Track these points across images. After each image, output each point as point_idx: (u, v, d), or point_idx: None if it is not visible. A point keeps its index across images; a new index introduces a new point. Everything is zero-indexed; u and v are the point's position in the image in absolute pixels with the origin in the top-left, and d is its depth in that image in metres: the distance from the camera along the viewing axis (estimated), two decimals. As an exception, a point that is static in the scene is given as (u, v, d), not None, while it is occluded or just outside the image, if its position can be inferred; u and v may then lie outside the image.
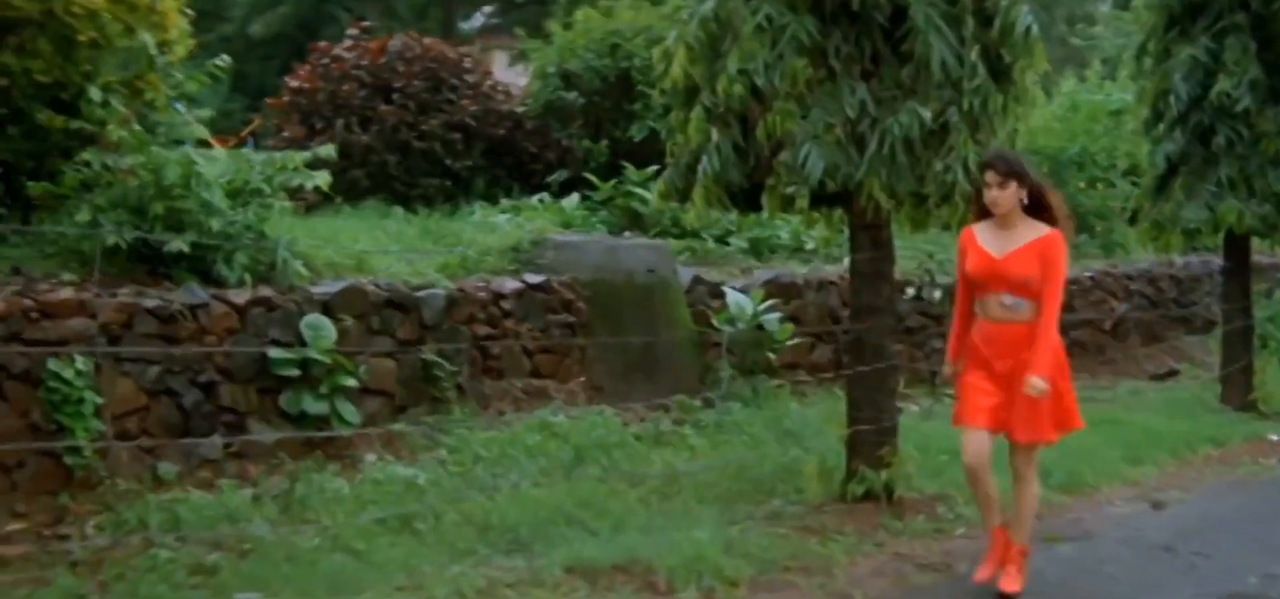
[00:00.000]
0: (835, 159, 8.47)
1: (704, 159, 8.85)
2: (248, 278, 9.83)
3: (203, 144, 15.28)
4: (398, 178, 14.95)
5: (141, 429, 9.02)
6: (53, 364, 8.50)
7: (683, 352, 12.33)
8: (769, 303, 12.70)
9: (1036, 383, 7.20)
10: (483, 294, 11.21)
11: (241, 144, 21.69)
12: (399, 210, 14.17)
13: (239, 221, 9.91)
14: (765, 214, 9.27)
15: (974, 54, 8.65)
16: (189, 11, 11.19)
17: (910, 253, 14.99)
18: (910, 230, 9.70)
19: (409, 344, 10.58)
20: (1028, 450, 7.63)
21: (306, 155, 10.84)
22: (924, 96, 8.55)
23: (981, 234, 7.59)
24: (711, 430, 11.23)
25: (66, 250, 9.65)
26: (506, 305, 11.35)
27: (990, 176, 7.44)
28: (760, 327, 12.51)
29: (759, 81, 8.55)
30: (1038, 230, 7.43)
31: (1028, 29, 8.80)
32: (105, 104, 9.89)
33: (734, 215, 12.78)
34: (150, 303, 9.14)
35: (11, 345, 8.50)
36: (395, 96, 14.91)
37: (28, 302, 8.67)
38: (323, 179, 10.61)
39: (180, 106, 11.41)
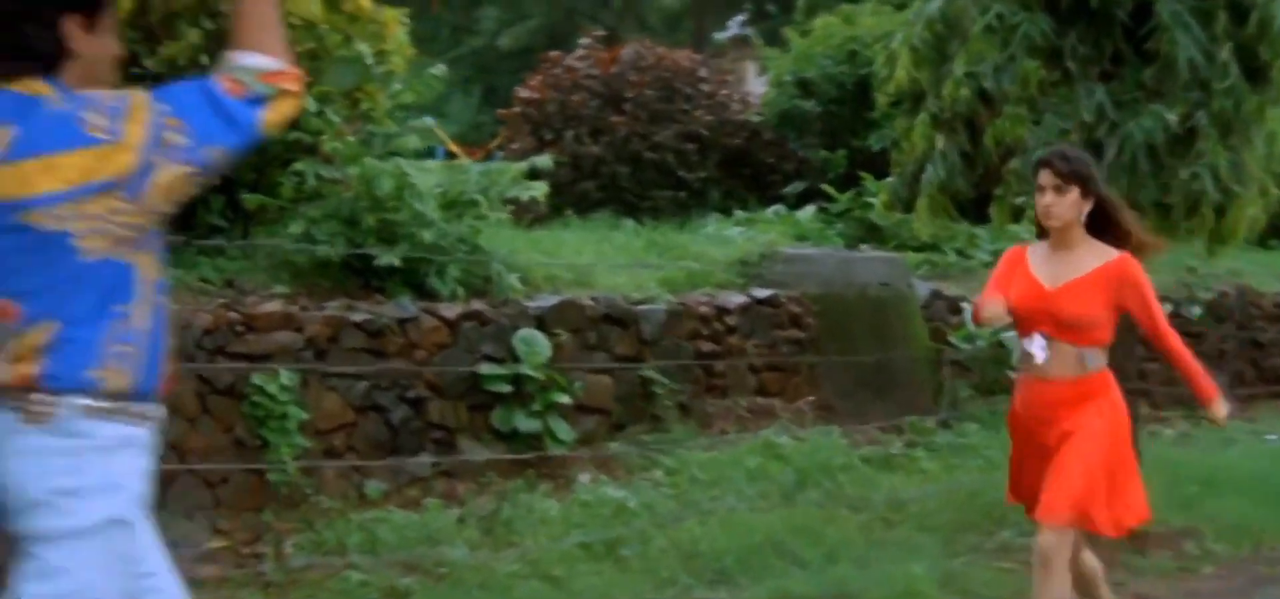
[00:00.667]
0: (1070, 166, 7.85)
1: (929, 167, 8.34)
2: (460, 291, 9.62)
3: (450, 156, 15.25)
4: (629, 189, 14.67)
5: (347, 446, 8.85)
6: (257, 379, 8.37)
7: (918, 370, 11.76)
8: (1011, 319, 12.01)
9: (1217, 412, 5.86)
10: (706, 309, 10.80)
11: (488, 156, 21.74)
12: (629, 223, 13.91)
13: (452, 234, 9.68)
14: (994, 225, 8.66)
15: (1226, 52, 7.94)
16: (408, 21, 11.04)
17: (1168, 267, 14.13)
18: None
19: (627, 360, 10.25)
20: (1048, 533, 5.65)
21: (523, 166, 10.60)
22: (1169, 99, 7.89)
23: (1034, 256, 5.94)
24: (945, 453, 10.65)
25: (281, 264, 9.56)
26: (731, 321, 10.93)
27: (1045, 177, 5.74)
28: (1001, 344, 11.86)
29: (987, 85, 8.00)
30: (1103, 255, 5.79)
31: (1288, 23, 8.06)
32: (321, 114, 9.78)
33: (976, 227, 12.23)
34: (358, 316, 8.97)
35: (217, 359, 8.40)
36: (627, 107, 14.63)
37: (234, 315, 8.56)
38: (539, 190, 10.35)
39: (431, 120, 11.31)
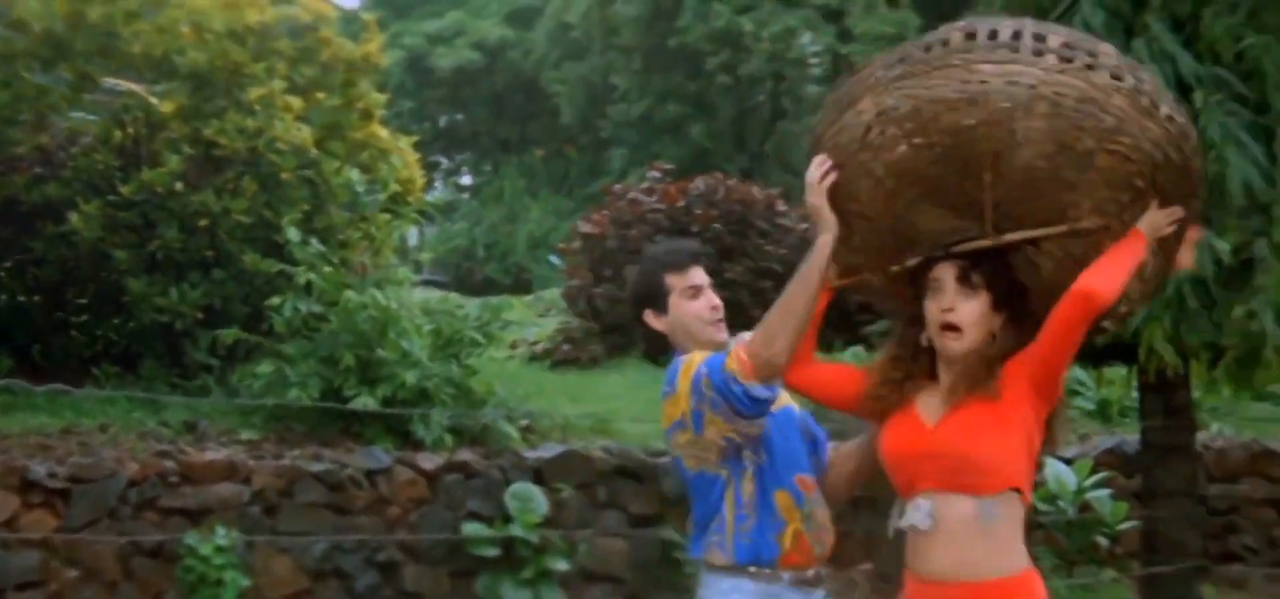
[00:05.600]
0: (1105, 303, 6.65)
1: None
2: (448, 440, 8.64)
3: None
4: (698, 330, 13.57)
5: (302, 616, 7.90)
6: (190, 538, 7.44)
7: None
8: (1101, 476, 10.60)
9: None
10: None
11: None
12: (697, 365, 12.81)
13: (439, 375, 8.73)
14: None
15: (1290, 171, 6.74)
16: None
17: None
18: (1233, 392, 7.80)
19: (645, 521, 9.15)
20: None
21: (528, 299, 9.67)
22: (1221, 225, 6.67)
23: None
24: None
25: (255, 409, 8.72)
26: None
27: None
28: (1087, 506, 10.50)
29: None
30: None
31: (1370, 138, 6.86)
32: (305, 244, 8.93)
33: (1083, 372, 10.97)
34: (317, 467, 8.02)
35: (143, 515, 7.52)
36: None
37: (168, 464, 7.68)
38: (543, 329, 9.41)
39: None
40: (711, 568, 3.99)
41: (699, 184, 14.43)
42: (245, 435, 8.46)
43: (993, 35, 3.47)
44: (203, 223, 9.24)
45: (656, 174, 15.24)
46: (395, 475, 8.25)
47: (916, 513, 3.70)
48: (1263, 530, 11.47)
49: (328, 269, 8.77)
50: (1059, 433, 3.85)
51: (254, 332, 9.17)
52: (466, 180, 41.41)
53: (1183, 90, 6.91)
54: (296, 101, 9.41)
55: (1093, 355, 7.24)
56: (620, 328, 13.44)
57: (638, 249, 13.61)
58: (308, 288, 8.85)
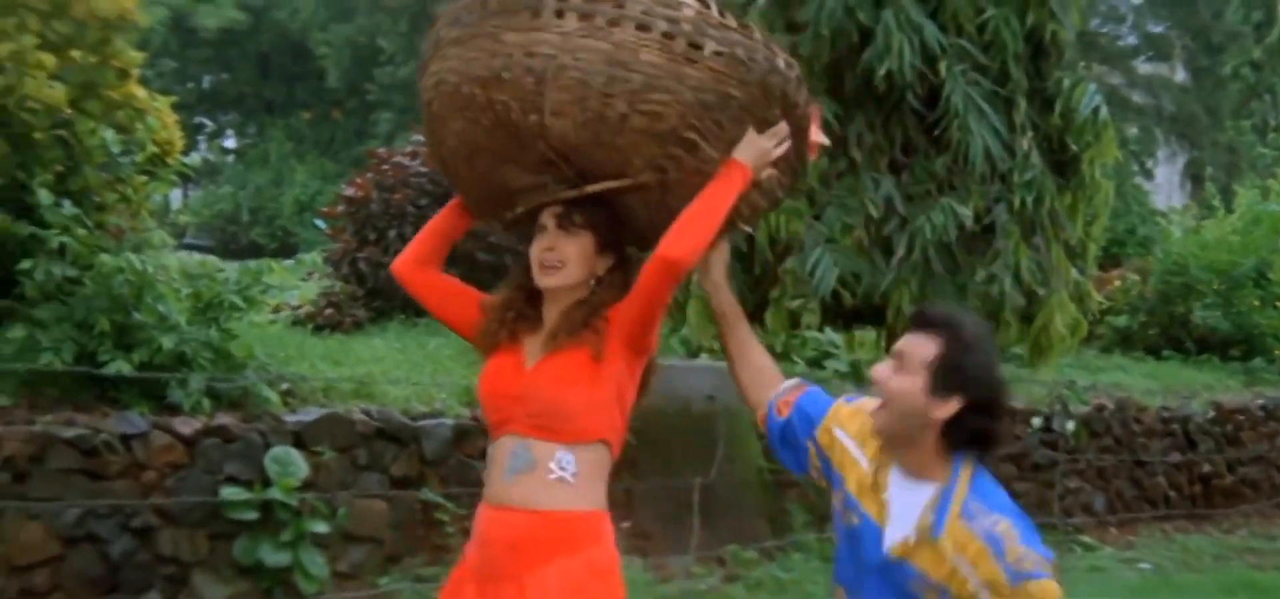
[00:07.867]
0: (855, 266, 6.92)
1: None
2: (206, 404, 8.53)
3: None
4: (462, 294, 13.56)
5: (53, 585, 7.74)
6: (-68, 505, 7.28)
7: (749, 493, 10.69)
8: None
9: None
10: (502, 425, 9.71)
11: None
12: (460, 330, 12.80)
13: (198, 339, 8.62)
14: (771, 331, 7.61)
15: (1027, 142, 7.02)
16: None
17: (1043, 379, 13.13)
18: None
19: (406, 483, 9.18)
20: None
21: (291, 263, 9.60)
22: (964, 192, 6.95)
23: None
24: (768, 589, 9.60)
25: (5, 374, 8.49)
26: (532, 438, 9.84)
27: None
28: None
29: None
30: None
31: (1095, 111, 7.17)
32: (57, 206, 8.73)
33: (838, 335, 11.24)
34: (70, 432, 7.87)
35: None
36: (458, 205, 13.55)
37: (-93, 431, 7.48)
38: (306, 293, 9.33)
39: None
40: None
41: (465, 147, 14.44)
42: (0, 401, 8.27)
43: None
44: (-50, 184, 8.97)
45: (420, 138, 15.22)
46: (151, 440, 8.13)
47: (514, 460, 3.83)
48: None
49: (82, 232, 8.58)
50: (652, 384, 4.09)
51: (5, 296, 8.94)
52: (231, 143, 40.78)
53: (929, 60, 7.17)
54: (49, 58, 9.15)
55: (843, 317, 7.48)
56: (382, 292, 13.41)
57: (401, 213, 13.61)
58: (61, 251, 8.65)
